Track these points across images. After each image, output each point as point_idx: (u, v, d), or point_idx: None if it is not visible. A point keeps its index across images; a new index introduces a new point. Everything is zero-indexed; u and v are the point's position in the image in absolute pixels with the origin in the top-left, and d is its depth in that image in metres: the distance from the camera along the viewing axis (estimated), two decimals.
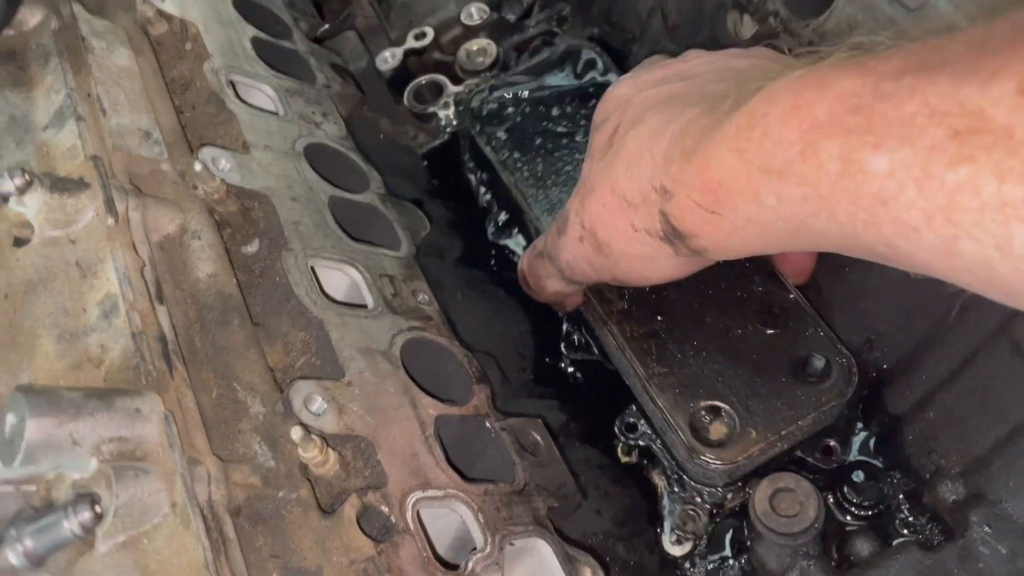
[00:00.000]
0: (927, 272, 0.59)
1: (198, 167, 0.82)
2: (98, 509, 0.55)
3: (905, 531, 1.04)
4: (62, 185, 0.76)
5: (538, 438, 0.89)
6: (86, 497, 0.56)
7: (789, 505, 1.00)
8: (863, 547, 1.02)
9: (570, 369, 1.24)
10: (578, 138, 1.20)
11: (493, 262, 1.37)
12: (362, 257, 0.92)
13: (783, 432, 0.90)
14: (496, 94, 1.23)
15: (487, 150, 1.18)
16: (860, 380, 1.13)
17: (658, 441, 0.99)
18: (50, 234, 0.77)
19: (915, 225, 0.54)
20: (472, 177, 1.30)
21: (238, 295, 0.80)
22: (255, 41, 1.11)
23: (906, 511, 1.04)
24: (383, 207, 1.04)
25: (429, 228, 1.08)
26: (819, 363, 0.96)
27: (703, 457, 0.87)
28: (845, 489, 1.07)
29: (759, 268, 1.00)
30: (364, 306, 0.87)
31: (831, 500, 1.07)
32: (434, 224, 1.26)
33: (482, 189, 1.30)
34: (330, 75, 1.20)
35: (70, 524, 0.54)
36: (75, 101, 0.85)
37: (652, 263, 0.80)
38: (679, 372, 0.91)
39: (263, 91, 1.05)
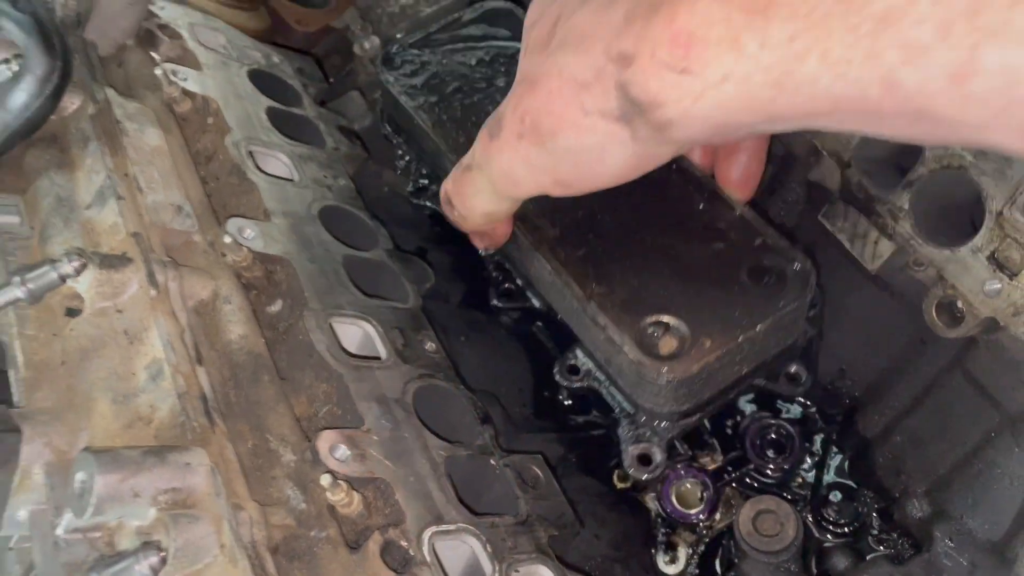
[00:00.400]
0: (918, 124, 0.54)
1: (227, 240, 0.92)
2: (163, 554, 0.65)
3: (879, 546, 1.13)
4: (109, 262, 0.86)
5: (538, 472, 0.98)
6: (152, 544, 0.65)
7: (771, 525, 1.09)
8: (840, 562, 1.12)
9: (567, 402, 1.34)
10: (498, 82, 1.13)
11: (493, 301, 1.47)
12: (374, 311, 1.02)
13: (740, 339, 0.82)
14: (412, 50, 1.17)
15: (402, 98, 1.09)
16: (836, 405, 1.23)
17: (604, 379, 0.91)
18: (100, 305, 0.86)
19: (926, 43, 0.48)
20: (394, 144, 1.23)
21: (266, 353, 0.90)
22: (270, 111, 1.21)
23: (878, 528, 1.14)
24: (391, 262, 1.14)
25: (433, 280, 1.18)
26: (772, 264, 0.88)
27: (653, 373, 0.80)
28: (823, 508, 1.16)
29: (701, 188, 0.95)
30: (378, 358, 0.97)
31: (810, 519, 1.17)
32: (437, 270, 1.36)
33: (400, 153, 1.23)
34: (338, 138, 1.30)
35: (141, 568, 0.64)
36: (114, 182, 0.95)
37: (603, 155, 0.71)
38: (621, 290, 0.85)
39: (279, 159, 1.15)
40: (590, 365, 0.93)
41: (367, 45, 1.66)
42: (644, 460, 0.88)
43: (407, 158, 1.19)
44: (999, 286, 0.91)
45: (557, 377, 0.96)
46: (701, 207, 0.93)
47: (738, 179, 0.94)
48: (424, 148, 1.12)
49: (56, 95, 0.95)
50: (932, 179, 0.95)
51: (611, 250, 0.89)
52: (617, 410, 0.91)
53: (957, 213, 0.98)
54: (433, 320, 1.18)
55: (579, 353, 0.94)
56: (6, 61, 0.95)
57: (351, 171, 1.29)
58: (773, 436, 1.22)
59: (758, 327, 0.83)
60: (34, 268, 0.81)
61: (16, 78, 0.94)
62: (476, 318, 1.36)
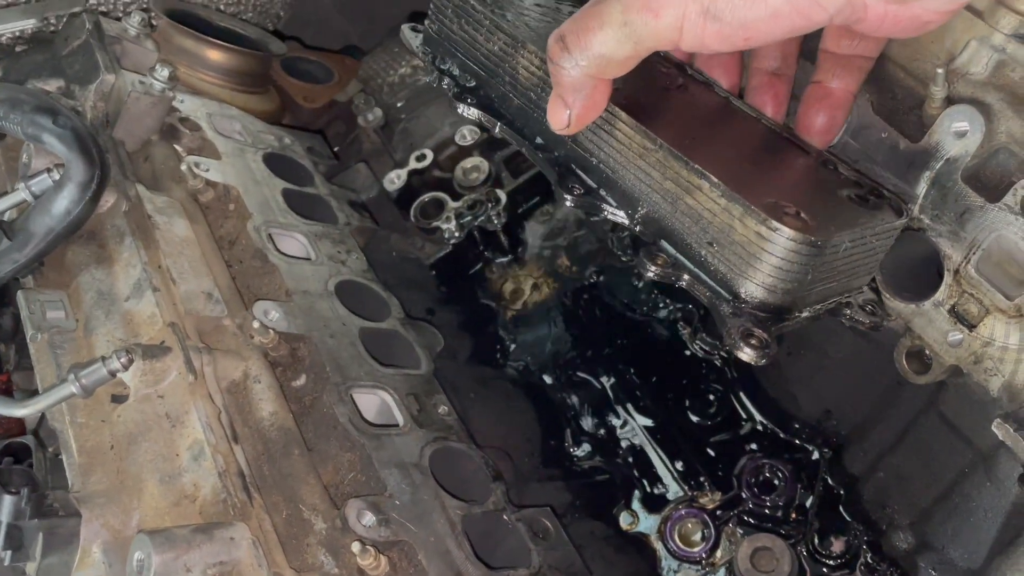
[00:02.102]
0: None
1: (255, 324, 1.02)
2: None
3: None
4: (151, 352, 0.95)
5: (548, 525, 1.06)
6: None
7: (767, 562, 1.18)
8: None
9: (572, 449, 1.42)
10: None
11: (498, 355, 1.56)
12: (391, 380, 1.11)
13: (860, 235, 0.83)
14: None
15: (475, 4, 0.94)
16: (824, 445, 1.32)
17: (694, 268, 0.84)
18: (143, 392, 0.96)
19: None
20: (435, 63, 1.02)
21: (295, 428, 0.99)
22: (285, 193, 1.31)
23: (869, 559, 1.21)
24: (404, 330, 1.23)
25: (443, 343, 1.27)
26: (869, 192, 0.90)
27: (783, 236, 0.75)
28: (816, 542, 1.24)
29: (783, 132, 0.94)
30: (396, 425, 1.06)
31: (804, 553, 1.25)
32: (445, 328, 1.45)
33: (445, 68, 1.01)
34: (348, 212, 1.40)
35: None
36: (150, 274, 1.05)
37: None
38: (731, 177, 0.80)
39: (296, 238, 1.25)
40: (678, 256, 0.85)
41: (370, 117, 1.77)
42: (748, 336, 0.81)
43: (454, 71, 1.00)
44: (960, 337, 0.99)
45: (639, 268, 0.87)
46: (789, 146, 0.92)
47: (821, 127, 0.94)
48: (489, 51, 0.96)
49: (95, 199, 1.04)
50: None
51: (714, 155, 0.84)
52: (707, 297, 0.84)
53: (925, 268, 1.06)
54: (443, 380, 1.27)
55: (664, 245, 0.86)
56: (48, 171, 1.05)
57: (362, 243, 1.39)
58: (767, 475, 1.31)
59: (874, 228, 0.85)
60: (87, 365, 0.90)
61: (58, 186, 1.03)
62: (484, 374, 1.46)
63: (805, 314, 0.86)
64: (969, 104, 0.96)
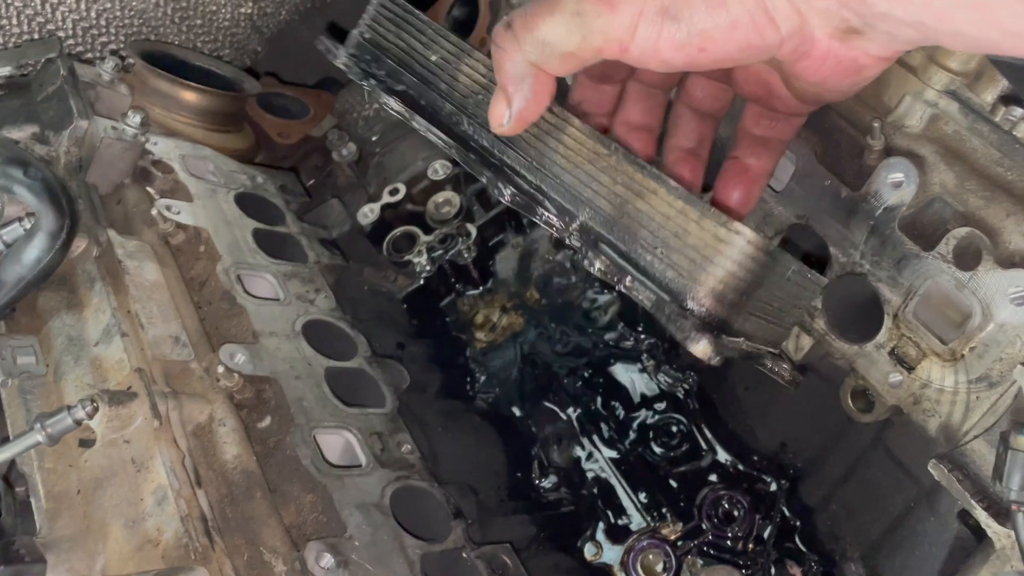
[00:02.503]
0: None
1: (221, 369, 1.05)
2: None
3: None
4: (117, 399, 0.98)
5: (507, 561, 1.09)
6: None
7: None
8: None
9: (538, 480, 1.46)
10: None
11: (467, 387, 1.59)
12: (354, 420, 1.14)
13: (800, 269, 0.86)
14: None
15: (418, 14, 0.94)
16: (782, 477, 1.35)
17: (634, 274, 0.83)
18: (110, 437, 0.98)
19: None
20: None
21: (258, 471, 1.02)
22: (256, 233, 1.34)
23: None
24: (370, 369, 1.26)
25: (409, 381, 1.30)
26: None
27: (734, 234, 0.76)
28: (773, 572, 1.28)
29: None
30: (358, 465, 1.09)
31: None
32: (415, 362, 1.48)
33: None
34: (319, 250, 1.43)
35: None
36: (119, 319, 1.08)
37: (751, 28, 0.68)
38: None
39: (266, 279, 1.28)
40: (619, 260, 0.83)
41: (344, 152, 1.80)
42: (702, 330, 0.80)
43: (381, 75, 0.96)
44: (900, 378, 1.03)
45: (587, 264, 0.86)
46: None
47: (737, 201, 0.94)
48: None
49: (65, 247, 1.08)
50: (839, 283, 1.08)
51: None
52: (651, 301, 0.82)
53: (869, 310, 1.10)
54: (411, 414, 1.30)
55: (605, 248, 0.84)
56: (19, 220, 1.08)
57: (332, 281, 1.42)
58: (727, 506, 1.34)
59: (806, 273, 0.87)
60: (53, 415, 0.93)
61: (29, 235, 1.07)
62: (452, 407, 1.49)
63: (742, 342, 0.86)
64: (904, 157, 1.00)
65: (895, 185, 1.01)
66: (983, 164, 0.97)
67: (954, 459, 0.96)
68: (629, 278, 0.83)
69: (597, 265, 0.84)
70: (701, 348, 0.78)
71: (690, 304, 0.79)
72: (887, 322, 1.04)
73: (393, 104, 0.93)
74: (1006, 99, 0.92)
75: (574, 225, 0.85)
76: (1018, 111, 0.91)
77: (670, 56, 0.71)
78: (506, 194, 0.88)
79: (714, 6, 0.68)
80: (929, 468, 0.96)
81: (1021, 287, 0.91)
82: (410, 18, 0.93)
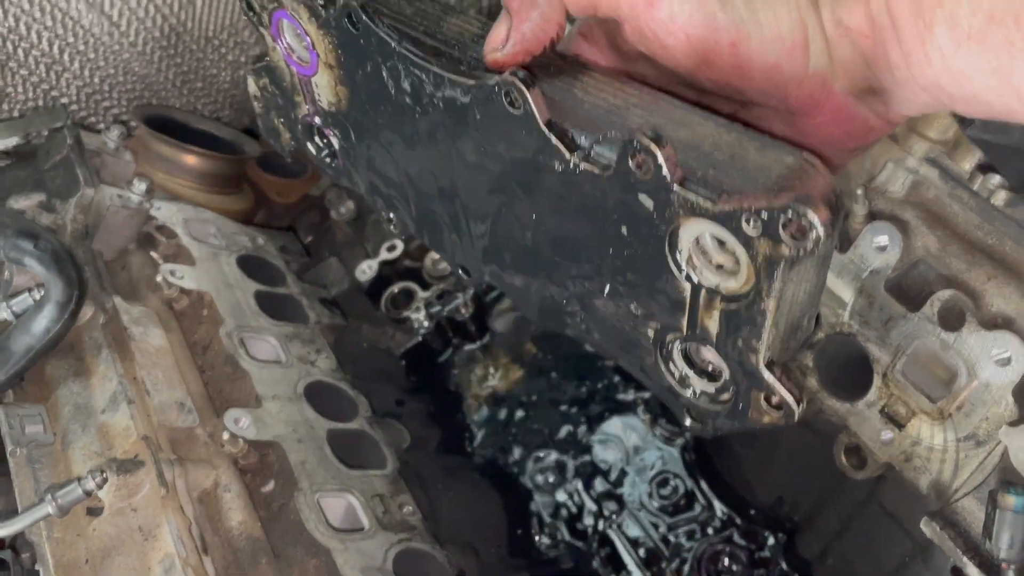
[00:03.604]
0: None
1: (226, 436, 1.07)
2: None
3: None
4: (125, 467, 1.00)
5: None
6: None
7: None
8: None
9: (541, 540, 1.47)
10: None
11: (466, 443, 1.61)
12: (356, 482, 1.16)
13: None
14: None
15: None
16: (779, 530, 1.37)
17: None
18: (118, 505, 1.00)
19: None
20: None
21: (263, 537, 1.03)
22: (257, 295, 1.37)
23: None
24: (370, 429, 1.28)
25: (409, 440, 1.32)
26: None
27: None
28: None
29: None
30: (361, 528, 1.10)
31: None
32: (414, 418, 1.50)
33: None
34: (319, 310, 1.46)
35: None
36: (125, 387, 1.10)
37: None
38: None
39: (268, 341, 1.31)
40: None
41: (343, 210, 1.84)
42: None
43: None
44: (891, 436, 1.05)
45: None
46: None
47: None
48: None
49: (73, 317, 1.10)
50: (828, 342, 1.11)
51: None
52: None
53: (859, 369, 1.13)
54: (411, 472, 1.32)
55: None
56: (29, 290, 1.11)
57: (332, 340, 1.44)
58: (725, 560, 1.36)
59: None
60: (63, 486, 0.94)
61: (39, 306, 1.09)
62: (451, 463, 1.50)
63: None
64: (888, 221, 1.04)
65: (880, 249, 1.04)
66: (964, 228, 1.01)
67: (945, 516, 0.98)
68: None
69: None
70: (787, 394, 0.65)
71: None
72: (876, 381, 1.06)
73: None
74: (983, 168, 0.96)
75: None
76: (995, 179, 0.95)
77: (697, 37, 0.62)
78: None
79: (768, 4, 0.61)
80: (921, 526, 0.98)
81: (1004, 349, 0.93)
82: None
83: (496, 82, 0.64)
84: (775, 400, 0.63)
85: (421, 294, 1.70)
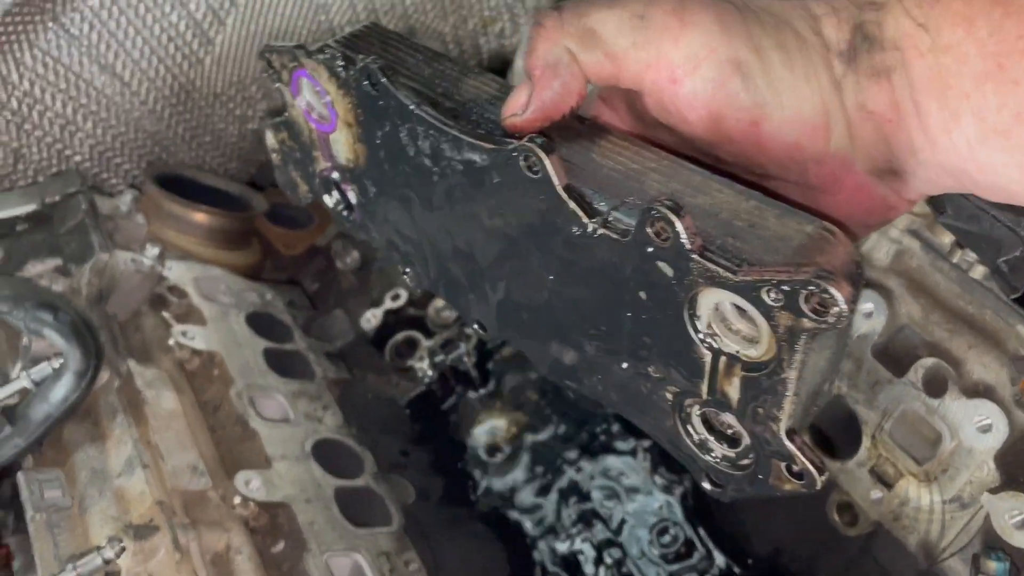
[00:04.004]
0: None
1: (237, 499, 1.10)
2: None
3: None
4: (141, 533, 1.04)
5: None
6: None
7: None
8: None
9: None
10: None
11: (470, 493, 1.64)
12: (363, 541, 1.19)
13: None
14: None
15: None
16: None
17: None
18: (134, 571, 1.04)
19: None
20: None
21: None
22: (266, 353, 1.41)
23: None
24: (376, 486, 1.32)
25: (414, 496, 1.36)
26: None
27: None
28: None
29: None
30: None
31: None
32: (419, 468, 1.54)
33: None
34: (325, 365, 1.50)
35: None
36: (140, 451, 1.14)
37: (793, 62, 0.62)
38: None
39: (276, 399, 1.35)
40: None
41: (348, 260, 1.88)
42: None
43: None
44: (880, 495, 1.09)
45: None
46: None
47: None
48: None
49: (91, 385, 1.14)
50: None
51: None
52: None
53: (849, 428, 1.17)
54: (416, 525, 1.35)
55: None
56: (48, 360, 1.15)
57: (337, 394, 1.48)
58: None
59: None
60: (83, 556, 0.98)
61: (57, 375, 1.13)
62: (456, 514, 1.54)
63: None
64: (874, 289, 1.08)
65: (866, 315, 1.08)
66: (945, 297, 1.05)
67: None
68: None
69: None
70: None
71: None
72: (865, 441, 1.10)
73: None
74: (960, 243, 1.00)
75: None
76: (972, 255, 0.99)
77: (718, 115, 0.63)
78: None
79: (791, 85, 0.61)
80: None
81: (984, 416, 0.97)
82: (395, 38, 0.86)
83: (515, 147, 0.65)
84: (796, 469, 0.62)
85: (425, 343, 1.74)
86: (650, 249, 0.60)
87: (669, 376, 0.67)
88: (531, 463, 1.63)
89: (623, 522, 1.53)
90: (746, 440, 0.65)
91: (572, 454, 1.63)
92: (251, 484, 1.17)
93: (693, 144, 0.68)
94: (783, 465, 0.62)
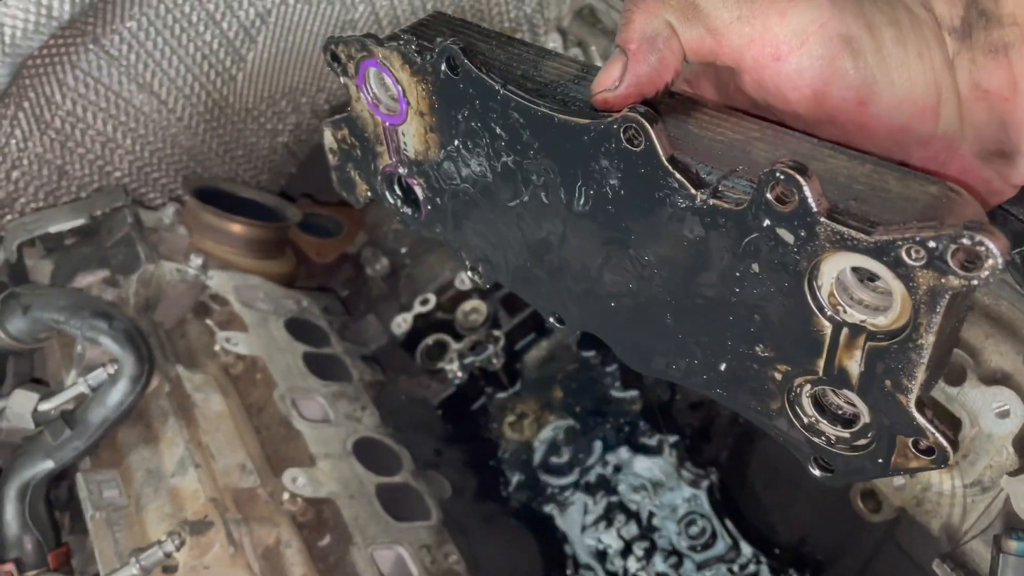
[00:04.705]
0: None
1: (286, 495, 1.16)
2: None
3: None
4: (197, 528, 1.10)
5: None
6: None
7: None
8: None
9: None
10: None
11: (502, 489, 1.69)
12: (405, 535, 1.25)
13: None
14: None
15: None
16: (803, 570, 1.44)
17: None
18: (191, 564, 1.09)
19: None
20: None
21: None
22: (305, 357, 1.47)
23: None
24: (415, 482, 1.37)
25: (450, 492, 1.41)
26: None
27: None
28: None
29: None
30: None
31: None
32: (452, 467, 1.59)
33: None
34: (361, 368, 1.56)
35: None
36: (191, 452, 1.20)
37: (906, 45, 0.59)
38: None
39: (317, 401, 1.40)
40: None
41: (378, 267, 1.94)
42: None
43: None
44: (903, 482, 1.13)
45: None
46: None
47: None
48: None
49: (144, 389, 1.20)
50: None
51: None
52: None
53: None
54: (453, 521, 1.41)
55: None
56: (103, 366, 1.21)
57: (373, 396, 1.54)
58: None
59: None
60: (145, 549, 1.04)
61: (113, 380, 1.19)
62: (489, 510, 1.59)
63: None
64: None
65: None
66: None
67: (956, 558, 1.06)
68: None
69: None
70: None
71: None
72: None
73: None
74: None
75: None
76: None
77: (824, 93, 0.60)
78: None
79: (902, 63, 0.58)
80: (934, 567, 1.06)
81: (1002, 403, 1.01)
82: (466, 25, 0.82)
83: (615, 119, 0.62)
84: (924, 444, 0.58)
85: (454, 346, 1.79)
86: (770, 215, 0.56)
87: (780, 355, 0.62)
88: (559, 460, 1.68)
89: (651, 516, 1.57)
90: (865, 418, 0.61)
91: (599, 450, 1.67)
92: (298, 481, 1.22)
93: (789, 126, 0.64)
94: (909, 441, 0.59)
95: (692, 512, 1.54)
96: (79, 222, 1.46)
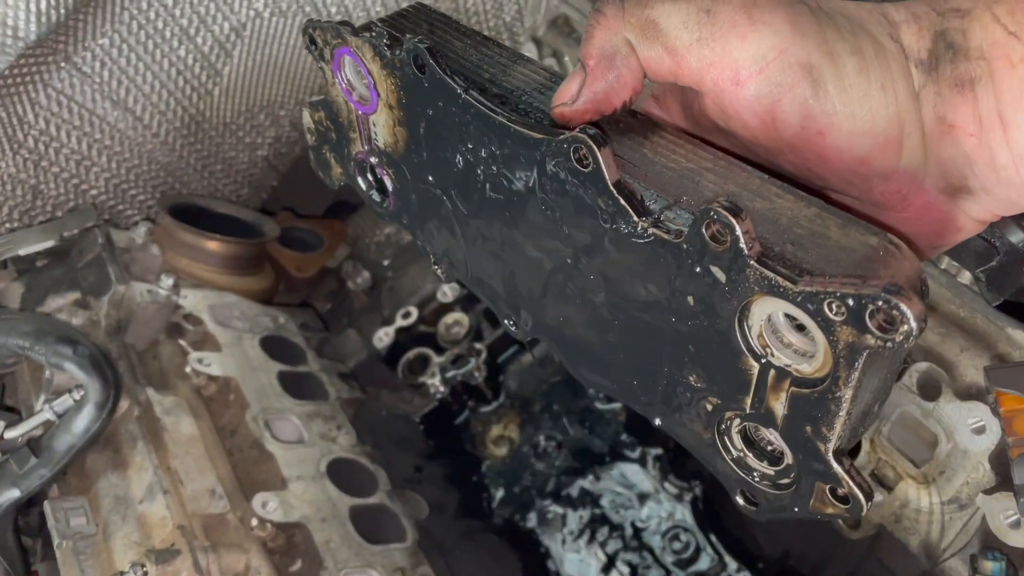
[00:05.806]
0: None
1: (255, 522, 1.14)
2: None
3: None
4: (163, 557, 1.08)
5: None
6: None
7: None
8: None
9: None
10: None
11: (483, 504, 1.68)
12: (378, 558, 1.23)
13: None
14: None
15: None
16: None
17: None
18: None
19: None
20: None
21: None
22: (280, 376, 1.45)
23: None
24: (390, 503, 1.35)
25: (427, 511, 1.39)
26: None
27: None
28: None
29: None
30: None
31: None
32: (433, 483, 1.57)
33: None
34: (339, 385, 1.54)
35: None
36: (160, 477, 1.18)
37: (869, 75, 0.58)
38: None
39: (291, 421, 1.38)
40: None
41: (359, 280, 1.93)
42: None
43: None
44: (880, 498, 1.11)
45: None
46: None
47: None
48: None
49: (111, 415, 1.19)
50: None
51: None
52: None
53: None
54: (431, 539, 1.39)
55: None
56: (69, 392, 1.20)
57: (351, 414, 1.52)
58: None
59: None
60: None
61: (79, 406, 1.18)
62: (470, 527, 1.57)
63: None
64: None
65: None
66: (937, 301, 1.07)
67: None
68: None
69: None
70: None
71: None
72: (865, 445, 1.12)
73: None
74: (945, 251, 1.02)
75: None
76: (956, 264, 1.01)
77: (783, 122, 0.59)
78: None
79: (864, 94, 0.57)
80: None
81: (977, 418, 0.99)
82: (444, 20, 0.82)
83: (566, 138, 0.62)
84: (841, 493, 0.58)
85: (436, 359, 1.78)
86: (704, 252, 0.56)
87: (711, 387, 0.63)
88: (542, 473, 1.66)
89: (635, 530, 1.55)
90: (788, 459, 0.61)
91: (582, 464, 1.65)
92: (268, 506, 1.20)
93: (750, 151, 0.64)
94: (827, 488, 0.59)
95: (676, 526, 1.52)
96: (49, 243, 1.45)
